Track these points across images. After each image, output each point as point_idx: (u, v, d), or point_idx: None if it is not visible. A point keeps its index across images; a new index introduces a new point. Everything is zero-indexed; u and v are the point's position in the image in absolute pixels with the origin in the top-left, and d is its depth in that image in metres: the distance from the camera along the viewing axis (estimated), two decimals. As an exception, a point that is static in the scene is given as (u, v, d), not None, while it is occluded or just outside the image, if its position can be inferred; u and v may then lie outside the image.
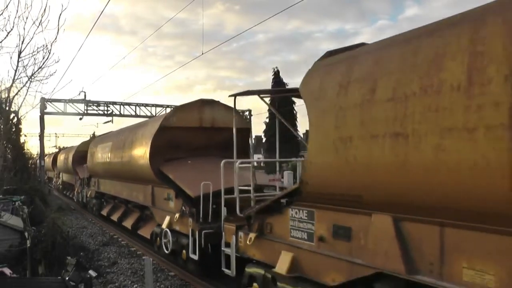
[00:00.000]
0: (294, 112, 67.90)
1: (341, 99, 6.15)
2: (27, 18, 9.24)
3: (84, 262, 13.53)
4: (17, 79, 10.30)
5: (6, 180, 18.54)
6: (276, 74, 75.94)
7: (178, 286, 12.00)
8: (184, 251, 12.36)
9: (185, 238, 12.15)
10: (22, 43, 9.58)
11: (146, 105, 43.24)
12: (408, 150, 5.09)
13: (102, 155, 21.67)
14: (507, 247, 4.30)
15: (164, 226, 13.43)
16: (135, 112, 42.68)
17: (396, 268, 5.42)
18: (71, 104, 40.27)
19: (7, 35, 9.24)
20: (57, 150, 66.30)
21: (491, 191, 4.27)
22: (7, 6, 8.99)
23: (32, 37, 9.52)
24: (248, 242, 8.57)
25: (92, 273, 10.83)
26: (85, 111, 41.06)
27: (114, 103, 42.24)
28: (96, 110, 41.64)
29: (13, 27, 9.17)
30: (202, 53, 21.81)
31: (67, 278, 9.39)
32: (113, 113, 42.02)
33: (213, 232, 10.76)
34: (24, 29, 9.36)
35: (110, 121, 42.42)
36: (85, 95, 40.56)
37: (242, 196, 9.24)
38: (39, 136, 40.04)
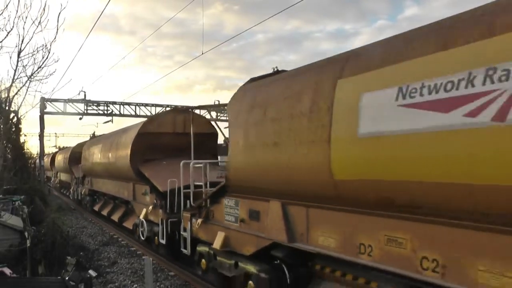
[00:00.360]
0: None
1: (248, 118, 8.39)
2: (26, 18, 9.20)
3: (84, 262, 13.67)
4: (16, 78, 10.24)
5: (6, 179, 18.24)
6: (277, 73, 76.66)
7: (178, 286, 11.96)
8: (156, 238, 14.71)
9: (157, 227, 14.49)
10: (21, 43, 9.52)
11: (146, 105, 43.25)
12: (281, 155, 7.34)
13: (93, 156, 24.06)
14: (336, 217, 6.55)
15: (141, 217, 15.91)
16: (135, 112, 42.61)
17: (283, 239, 7.64)
18: (71, 104, 40.16)
19: (7, 35, 9.18)
20: (57, 149, 67.44)
21: (321, 180, 6.46)
22: (7, 6, 8.93)
23: (32, 37, 9.50)
24: (197, 226, 10.84)
25: (92, 273, 11.13)
26: (85, 111, 40.93)
27: (114, 103, 42.07)
28: (96, 110, 41.48)
29: (12, 26, 9.12)
30: (202, 53, 21.47)
31: (67, 278, 9.28)
32: (113, 113, 41.87)
33: (176, 220, 12.95)
34: (23, 28, 9.32)
35: (110, 121, 42.37)
36: (85, 95, 40.55)
37: (198, 191, 11.42)
38: (39, 135, 39.96)
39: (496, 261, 4.45)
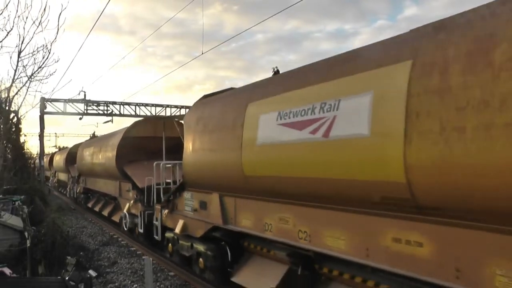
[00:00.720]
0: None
1: (196, 128, 10.77)
2: (27, 17, 9.10)
3: (84, 262, 13.66)
4: (17, 78, 10.14)
5: (6, 179, 18.12)
6: (276, 73, 76.94)
7: (178, 286, 11.92)
8: (136, 228, 17.03)
9: (137, 218, 16.84)
10: (22, 43, 9.41)
11: (146, 105, 42.64)
12: (216, 158, 9.77)
13: (86, 157, 26.33)
14: (251, 204, 8.86)
15: (125, 210, 18.34)
16: (135, 112, 41.98)
17: (220, 222, 9.96)
18: (71, 104, 39.47)
19: (7, 35, 9.09)
20: (56, 149, 68.49)
21: (238, 175, 8.76)
22: (6, 6, 8.87)
23: (32, 37, 9.39)
24: (165, 216, 13.21)
25: (92, 273, 11.31)
26: (85, 111, 40.22)
27: (114, 103, 41.44)
28: (96, 110, 40.76)
29: (13, 26, 9.03)
30: (202, 53, 21.22)
31: (67, 278, 9.26)
32: (113, 113, 41.19)
33: (151, 212, 15.15)
34: (24, 28, 9.23)
35: (110, 121, 41.71)
36: (85, 95, 39.85)
37: (168, 187, 13.81)
38: (39, 135, 39.32)
39: (343, 230, 6.72)
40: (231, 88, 11.17)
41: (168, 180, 13.52)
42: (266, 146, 7.78)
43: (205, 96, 11.71)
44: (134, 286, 12.01)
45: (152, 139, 18.70)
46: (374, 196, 5.65)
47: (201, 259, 11.03)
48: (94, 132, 54.19)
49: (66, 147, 49.93)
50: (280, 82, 8.24)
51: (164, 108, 42.41)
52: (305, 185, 6.97)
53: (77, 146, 35.30)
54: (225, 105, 9.76)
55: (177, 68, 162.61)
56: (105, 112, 41.31)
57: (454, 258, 4.84)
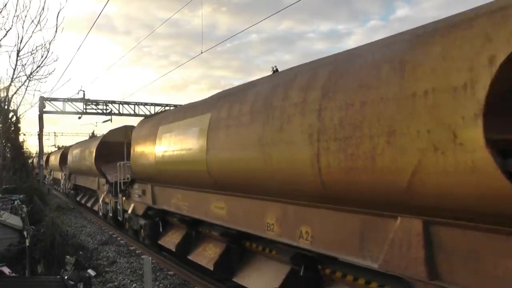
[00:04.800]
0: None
1: (137, 140, 15.07)
2: (25, 17, 9.33)
3: (83, 261, 13.79)
4: (16, 77, 10.50)
5: (5, 179, 18.56)
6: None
7: (177, 285, 12.06)
8: (109, 213, 21.66)
9: (108, 206, 21.53)
10: (20, 42, 9.67)
11: (145, 104, 43.54)
12: (146, 160, 14.01)
13: (75, 158, 30.54)
14: (167, 190, 13.46)
15: (100, 201, 23.49)
16: (134, 111, 42.95)
17: (151, 203, 14.52)
18: (70, 103, 40.28)
19: (6, 34, 9.27)
20: (56, 148, 70.13)
21: (156, 171, 13.16)
22: (5, 5, 9.03)
23: (31, 36, 9.65)
24: (124, 202, 18.06)
25: (91, 272, 11.40)
26: (84, 110, 41.10)
27: (113, 102, 42.18)
28: (95, 109, 41.66)
29: (11, 25, 9.25)
30: (202, 52, 21.15)
31: (66, 277, 9.38)
32: (112, 112, 42.12)
33: (116, 200, 19.68)
34: (23, 28, 9.42)
35: (109, 120, 42.76)
36: (84, 94, 40.72)
37: (127, 181, 17.96)
38: (38, 135, 40.32)
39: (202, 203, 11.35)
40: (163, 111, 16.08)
41: (129, 176, 17.61)
42: (166, 152, 12.15)
43: (146, 117, 17.16)
44: (133, 285, 12.18)
45: (123, 144, 22.00)
46: (203, 180, 10.07)
47: (142, 230, 15.71)
48: (93, 131, 55.43)
49: (64, 147, 52.20)
50: (171, 114, 13.40)
51: (164, 107, 42.58)
52: (184, 175, 11.25)
53: (69, 148, 38.60)
54: (149, 126, 14.30)
55: (175, 68, 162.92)
56: (104, 111, 41.99)
57: (237, 216, 9.24)
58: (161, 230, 14.48)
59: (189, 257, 12.03)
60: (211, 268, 10.41)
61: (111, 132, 24.34)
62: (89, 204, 29.06)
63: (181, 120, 11.42)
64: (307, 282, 7.81)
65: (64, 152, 41.02)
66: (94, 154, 23.43)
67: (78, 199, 33.50)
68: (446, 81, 4.36)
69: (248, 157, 7.79)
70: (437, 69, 4.51)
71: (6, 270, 10.48)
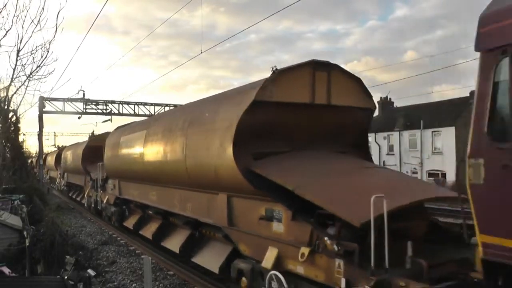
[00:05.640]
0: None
1: (108, 148, 20.02)
2: (25, 17, 9.30)
3: (83, 261, 13.73)
4: (15, 77, 10.46)
5: (5, 179, 18.61)
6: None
7: (177, 285, 12.04)
8: (91, 205, 26.54)
9: (91, 198, 26.43)
10: (20, 42, 9.63)
11: (144, 104, 43.17)
12: (114, 161, 19.18)
13: (66, 158, 35.17)
14: (132, 184, 18.44)
15: (85, 194, 28.53)
16: (134, 111, 42.51)
17: (118, 194, 19.54)
18: (70, 103, 40.03)
19: (5, 34, 9.25)
20: (55, 148, 69.90)
21: (121, 169, 18.43)
22: (5, 5, 9.04)
23: (31, 36, 9.59)
24: (101, 195, 22.75)
25: (91, 272, 11.39)
26: (84, 110, 40.80)
27: (113, 102, 41.92)
28: (95, 109, 41.41)
29: (11, 25, 9.24)
30: (202, 52, 21.12)
31: (66, 277, 9.34)
32: (112, 112, 41.84)
33: (97, 194, 24.08)
34: (22, 27, 9.40)
35: (109, 120, 42.60)
36: (83, 94, 40.33)
37: (105, 178, 22.48)
38: (38, 135, 40.22)
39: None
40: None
41: (105, 173, 21.93)
42: (124, 156, 16.81)
43: (118, 127, 20.89)
44: (133, 285, 12.13)
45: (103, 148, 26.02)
46: (143, 177, 15.03)
47: (112, 216, 20.53)
48: (93, 131, 54.44)
49: (62, 148, 54.66)
50: (130, 128, 18.09)
51: (163, 107, 42.58)
52: (135, 173, 15.62)
53: (62, 150, 43.47)
54: (116, 136, 18.84)
55: (175, 68, 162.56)
56: (104, 111, 41.70)
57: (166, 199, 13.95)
58: (127, 214, 19.11)
59: (140, 232, 16.70)
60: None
61: (95, 137, 29.83)
62: (78, 199, 33.62)
63: (132, 133, 16.29)
64: (198, 240, 12.13)
65: (59, 153, 45.39)
66: (81, 156, 28.27)
67: (70, 194, 37.87)
68: (225, 124, 9.03)
69: (159, 159, 12.87)
70: (224, 117, 9.20)
71: (6, 270, 10.46)
